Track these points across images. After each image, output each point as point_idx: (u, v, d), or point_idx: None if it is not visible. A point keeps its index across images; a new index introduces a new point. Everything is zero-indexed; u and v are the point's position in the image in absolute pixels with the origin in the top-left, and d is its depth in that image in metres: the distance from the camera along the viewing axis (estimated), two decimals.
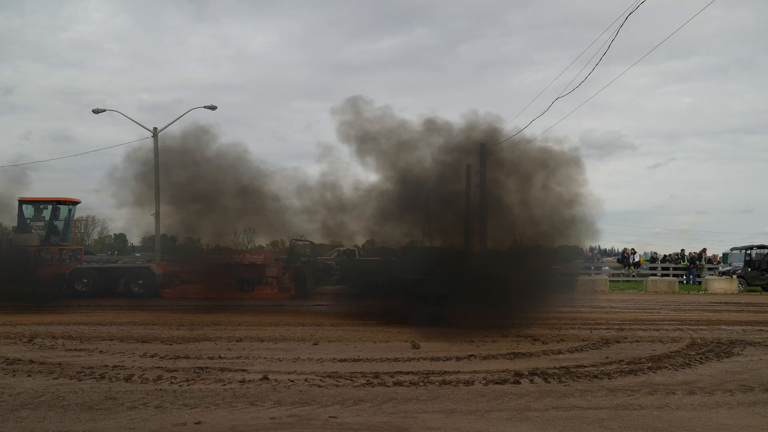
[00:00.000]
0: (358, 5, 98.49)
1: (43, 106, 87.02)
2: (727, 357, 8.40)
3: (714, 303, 18.34)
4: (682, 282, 27.26)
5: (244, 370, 7.06)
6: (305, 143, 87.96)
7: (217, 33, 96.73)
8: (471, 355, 8.18)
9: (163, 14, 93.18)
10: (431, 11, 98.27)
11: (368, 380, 6.59)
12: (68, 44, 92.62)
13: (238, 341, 9.37)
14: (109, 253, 37.56)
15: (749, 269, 25.79)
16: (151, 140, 25.21)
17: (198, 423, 5.06)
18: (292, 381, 6.57)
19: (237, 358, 7.92)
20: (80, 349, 8.54)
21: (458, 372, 7.09)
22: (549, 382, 6.62)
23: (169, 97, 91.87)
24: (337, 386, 6.34)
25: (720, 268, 29.30)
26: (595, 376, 6.93)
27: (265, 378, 6.65)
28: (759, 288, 25.05)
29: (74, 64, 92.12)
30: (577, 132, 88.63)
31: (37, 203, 20.42)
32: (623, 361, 7.90)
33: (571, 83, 16.77)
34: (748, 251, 26.30)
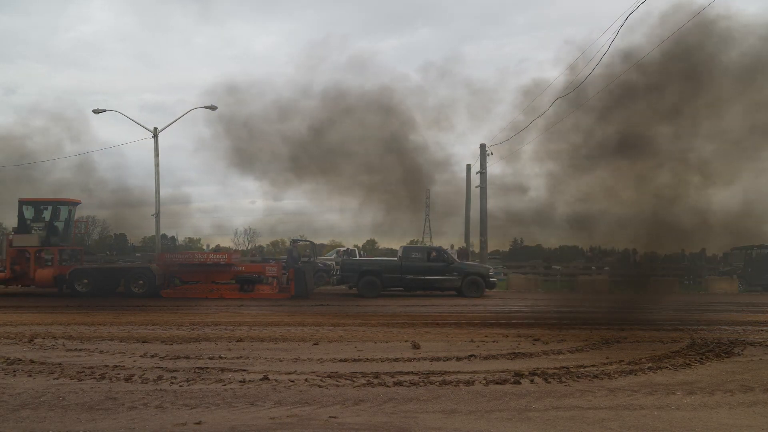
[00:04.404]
0: (361, 5, 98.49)
1: (46, 106, 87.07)
2: (727, 357, 8.40)
3: (714, 303, 18.34)
4: (683, 282, 27.22)
5: (244, 370, 7.06)
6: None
7: (221, 33, 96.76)
8: (471, 355, 8.18)
9: (167, 15, 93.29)
10: (435, 12, 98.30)
11: (368, 380, 6.59)
12: (72, 44, 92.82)
13: (238, 341, 9.37)
14: (108, 253, 37.52)
15: (749, 269, 25.78)
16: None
17: (198, 423, 5.06)
18: (293, 381, 6.57)
19: (237, 358, 7.92)
20: (80, 349, 8.54)
21: (458, 372, 7.09)
22: (549, 382, 6.62)
23: (173, 97, 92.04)
24: (338, 386, 6.34)
25: (720, 268, 29.27)
26: (596, 376, 6.93)
27: (266, 378, 6.64)
28: (759, 288, 25.05)
29: (78, 64, 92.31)
30: None
31: (37, 204, 20.42)
32: (623, 361, 7.89)
33: (571, 83, 16.76)
34: (748, 251, 26.29)
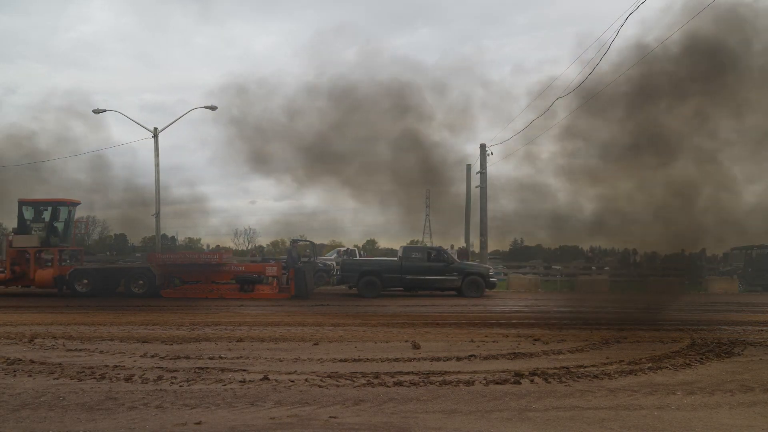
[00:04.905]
0: (362, 6, 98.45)
1: (46, 106, 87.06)
2: (727, 357, 8.40)
3: (714, 303, 18.34)
4: (682, 282, 27.14)
5: (244, 371, 7.06)
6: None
7: (221, 33, 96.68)
8: (471, 356, 8.17)
9: (167, 15, 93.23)
10: (435, 12, 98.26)
11: (369, 380, 6.59)
12: (72, 44, 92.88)
13: (238, 341, 9.36)
14: (108, 253, 37.55)
15: (749, 269, 25.78)
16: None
17: (198, 423, 5.06)
18: (293, 381, 6.56)
19: (237, 358, 7.91)
20: (81, 350, 8.54)
21: (459, 372, 7.08)
22: (549, 383, 6.62)
23: (173, 97, 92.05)
24: (338, 386, 6.34)
25: (720, 268, 29.28)
26: (596, 377, 6.93)
27: (266, 378, 6.64)
28: (759, 288, 25.04)
29: (78, 64, 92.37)
30: None
31: (36, 204, 20.42)
32: (623, 361, 7.89)
33: (571, 83, 16.76)
34: (748, 251, 26.29)
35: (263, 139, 21.16)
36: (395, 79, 21.11)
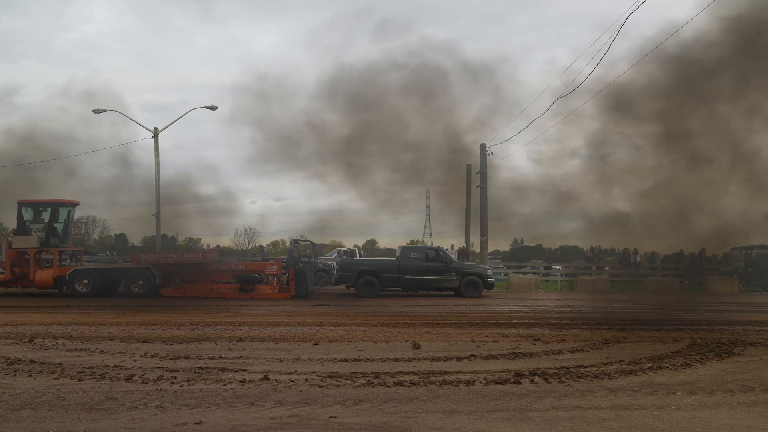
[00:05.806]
0: (363, 5, 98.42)
1: (47, 106, 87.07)
2: (727, 357, 8.40)
3: (714, 303, 18.34)
4: (684, 282, 27.15)
5: (244, 370, 7.06)
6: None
7: (222, 33, 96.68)
8: (472, 355, 8.18)
9: (168, 15, 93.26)
10: (435, 12, 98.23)
11: (369, 380, 6.59)
12: (73, 44, 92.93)
13: (238, 341, 9.37)
14: (108, 253, 37.53)
15: (749, 269, 25.77)
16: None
17: (198, 423, 5.06)
18: (293, 381, 6.57)
19: (237, 358, 7.92)
20: (81, 349, 8.54)
21: (459, 372, 7.09)
22: (550, 382, 6.62)
23: (174, 97, 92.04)
24: (338, 386, 6.34)
25: (720, 268, 29.25)
26: (596, 376, 6.93)
27: (266, 378, 6.65)
28: (759, 288, 25.03)
29: (79, 64, 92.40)
30: None
31: (36, 205, 20.41)
32: (624, 361, 7.89)
33: (572, 83, 16.78)
34: (749, 251, 26.27)
35: (271, 137, 21.22)
36: (405, 76, 21.09)
